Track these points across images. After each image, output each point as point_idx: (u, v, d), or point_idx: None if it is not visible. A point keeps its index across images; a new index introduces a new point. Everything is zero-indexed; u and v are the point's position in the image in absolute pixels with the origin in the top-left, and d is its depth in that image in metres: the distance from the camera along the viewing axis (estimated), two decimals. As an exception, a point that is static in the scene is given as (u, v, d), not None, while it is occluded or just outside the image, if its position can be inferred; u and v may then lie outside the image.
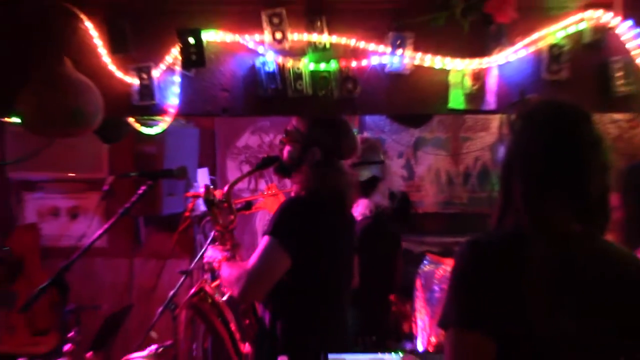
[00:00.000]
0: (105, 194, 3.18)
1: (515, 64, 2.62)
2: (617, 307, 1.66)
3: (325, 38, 2.61)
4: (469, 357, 1.61)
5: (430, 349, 3.35)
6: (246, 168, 4.77)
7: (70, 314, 2.67)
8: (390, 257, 3.75)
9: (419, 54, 2.60)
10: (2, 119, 2.88)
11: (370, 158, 3.67)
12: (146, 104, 2.66)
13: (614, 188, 1.75)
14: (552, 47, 2.61)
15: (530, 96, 2.61)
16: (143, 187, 2.92)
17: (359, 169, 3.56)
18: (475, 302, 1.63)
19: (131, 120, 3.07)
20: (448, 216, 4.83)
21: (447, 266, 3.49)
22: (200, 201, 3.10)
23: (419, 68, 2.62)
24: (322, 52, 2.63)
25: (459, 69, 2.61)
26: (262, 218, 4.71)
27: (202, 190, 3.00)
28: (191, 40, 2.56)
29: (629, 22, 2.56)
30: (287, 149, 2.83)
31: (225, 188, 3.00)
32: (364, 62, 2.62)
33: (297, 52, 2.63)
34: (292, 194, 2.90)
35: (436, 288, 3.47)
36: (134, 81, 2.65)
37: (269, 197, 3.41)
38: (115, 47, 2.64)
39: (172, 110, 2.67)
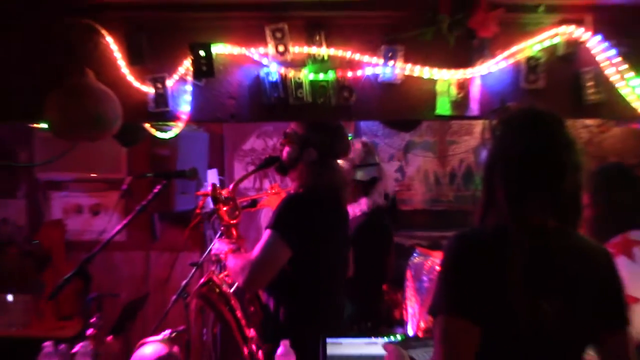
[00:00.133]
0: (124, 193, 3.18)
1: (497, 74, 2.62)
2: (589, 293, 1.67)
3: (323, 50, 2.61)
4: (456, 341, 1.60)
5: (420, 334, 3.34)
6: (252, 169, 4.76)
7: (92, 302, 2.67)
8: (383, 250, 3.74)
9: (409, 65, 2.60)
10: (32, 125, 2.88)
11: (369, 160, 3.67)
12: (161, 110, 2.66)
13: (585, 188, 1.75)
14: (530, 59, 2.61)
15: (510, 104, 2.61)
16: (158, 187, 2.92)
17: (360, 170, 3.56)
18: (462, 291, 1.63)
19: (147, 125, 3.07)
20: (436, 213, 4.83)
21: (435, 258, 3.48)
22: (210, 199, 3.10)
23: (408, 78, 2.62)
24: (321, 64, 2.63)
25: (445, 79, 2.61)
26: (266, 214, 4.69)
27: (209, 189, 3.00)
28: (202, 53, 2.57)
29: (598, 37, 2.57)
30: (286, 149, 2.83)
31: (231, 186, 3.00)
32: (359, 73, 2.62)
33: (298, 64, 2.63)
34: (292, 191, 2.90)
35: (425, 278, 3.46)
36: (149, 90, 2.65)
37: (272, 195, 3.40)
38: (133, 60, 2.64)
39: (184, 117, 2.67)
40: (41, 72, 2.62)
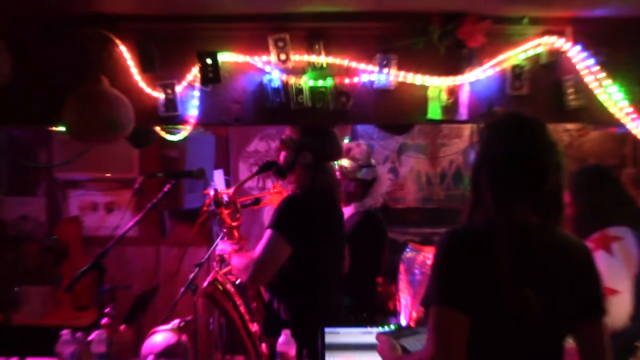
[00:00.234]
0: (136, 191, 3.17)
1: (484, 81, 2.63)
2: (570, 285, 1.68)
3: (322, 59, 2.61)
4: (448, 330, 1.61)
5: (412, 324, 3.34)
6: (255, 169, 4.75)
7: (106, 293, 2.67)
8: (378, 246, 3.73)
9: (402, 73, 2.60)
10: (51, 128, 2.88)
11: (371, 162, 3.66)
12: (170, 115, 2.66)
13: (566, 187, 1.76)
14: (515, 67, 2.61)
15: (496, 109, 2.61)
16: (168, 186, 2.92)
17: (364, 170, 3.55)
18: (453, 284, 1.64)
19: (158, 128, 3.06)
20: (427, 210, 4.82)
21: (426, 253, 3.48)
22: (221, 193, 3.10)
23: (402, 84, 2.62)
24: (320, 71, 2.63)
25: (436, 85, 2.61)
26: (269, 212, 4.69)
27: (212, 193, 3.01)
28: (209, 60, 2.56)
29: (578, 47, 2.57)
30: (282, 154, 2.84)
31: (232, 190, 3.01)
32: (356, 79, 2.62)
33: (298, 71, 2.63)
34: (289, 192, 2.91)
35: (417, 272, 3.46)
36: (160, 96, 2.65)
37: (274, 194, 3.40)
38: (145, 67, 2.64)
39: (192, 120, 2.67)
40: (59, 79, 2.61)
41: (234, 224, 2.95)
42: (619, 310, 2.35)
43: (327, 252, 2.81)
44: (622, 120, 2.59)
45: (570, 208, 2.58)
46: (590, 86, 2.59)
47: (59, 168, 4.51)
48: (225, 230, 2.98)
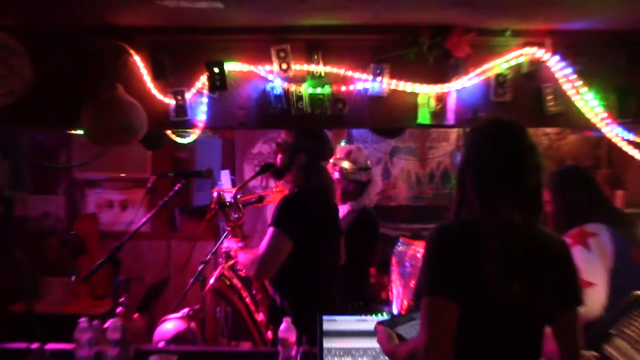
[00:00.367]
0: (149, 190, 3.18)
1: (470, 88, 2.62)
2: (549, 276, 1.68)
3: (321, 68, 2.61)
4: (439, 318, 1.61)
5: (403, 312, 3.34)
6: (259, 169, 4.75)
7: (121, 284, 2.66)
8: (372, 241, 3.73)
9: (394, 81, 2.60)
10: (70, 131, 2.87)
11: (367, 165, 3.65)
12: (180, 119, 2.66)
13: (546, 187, 1.76)
14: (498, 75, 2.61)
15: (481, 114, 2.61)
16: (178, 185, 2.92)
17: (362, 172, 3.55)
18: (443, 275, 1.64)
19: (169, 132, 3.06)
20: (417, 208, 4.82)
21: (416, 247, 3.47)
22: (224, 195, 3.10)
23: (394, 92, 2.62)
24: (319, 79, 2.63)
25: (425, 93, 2.61)
26: (271, 209, 4.68)
27: (215, 195, 3.02)
28: (216, 69, 2.56)
29: (557, 57, 2.57)
30: (279, 156, 2.84)
31: (234, 191, 3.01)
32: (351, 87, 2.61)
33: (298, 79, 2.63)
34: (287, 192, 2.91)
35: (407, 264, 3.46)
36: (171, 102, 2.64)
37: (276, 193, 3.40)
38: (157, 76, 2.64)
39: (200, 125, 2.67)
40: (78, 86, 2.61)
41: (237, 222, 2.96)
42: (594, 301, 2.34)
43: (324, 245, 2.81)
44: (598, 125, 2.59)
45: (550, 206, 2.57)
46: (568, 93, 2.59)
47: (78, 168, 4.51)
48: (229, 228, 2.99)
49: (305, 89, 2.61)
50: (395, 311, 3.43)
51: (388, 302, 3.61)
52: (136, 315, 2.98)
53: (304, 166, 2.77)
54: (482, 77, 2.60)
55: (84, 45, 2.60)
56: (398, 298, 3.47)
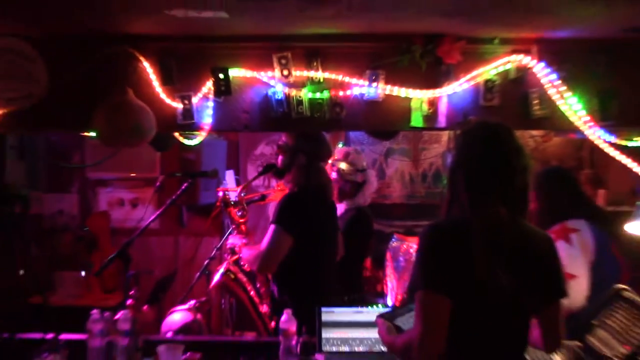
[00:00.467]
0: (158, 189, 3.18)
1: (460, 93, 2.62)
2: (535, 270, 1.69)
3: (320, 74, 2.60)
4: (433, 311, 1.61)
5: (397, 304, 3.35)
6: (261, 170, 4.76)
7: (131, 277, 2.67)
8: (367, 237, 3.73)
9: (389, 86, 2.59)
10: (83, 133, 2.87)
11: (364, 167, 3.65)
12: (188, 122, 2.65)
13: (532, 186, 1.76)
14: (487, 81, 2.61)
15: (471, 118, 2.61)
16: (185, 184, 2.92)
17: (360, 173, 3.55)
18: (435, 270, 1.64)
19: (176, 134, 3.06)
20: (410, 206, 4.82)
21: (409, 243, 3.48)
22: (228, 194, 3.10)
23: (388, 96, 2.62)
24: (318, 85, 2.62)
25: (418, 97, 2.60)
26: (273, 207, 4.68)
27: (220, 193, 3.02)
28: (221, 75, 2.56)
29: (542, 64, 2.57)
30: (280, 158, 2.85)
31: (238, 191, 3.02)
32: (349, 92, 2.61)
33: (299, 85, 2.62)
34: (288, 191, 2.91)
35: (401, 259, 3.46)
36: (178, 106, 2.64)
37: (277, 191, 3.40)
38: (165, 81, 2.63)
39: (206, 127, 2.66)
40: (91, 90, 2.60)
41: (241, 220, 2.97)
42: (577, 292, 2.35)
43: (323, 241, 2.82)
44: (581, 128, 2.59)
45: (534, 204, 2.58)
46: (553, 98, 2.59)
47: (91, 168, 4.52)
48: (233, 226, 2.99)
49: (305, 94, 2.61)
50: (389, 303, 3.43)
51: (383, 295, 3.62)
52: (145, 307, 2.98)
53: (304, 167, 2.77)
54: (472, 82, 2.60)
55: (95, 52, 2.59)
56: (392, 291, 3.48)
